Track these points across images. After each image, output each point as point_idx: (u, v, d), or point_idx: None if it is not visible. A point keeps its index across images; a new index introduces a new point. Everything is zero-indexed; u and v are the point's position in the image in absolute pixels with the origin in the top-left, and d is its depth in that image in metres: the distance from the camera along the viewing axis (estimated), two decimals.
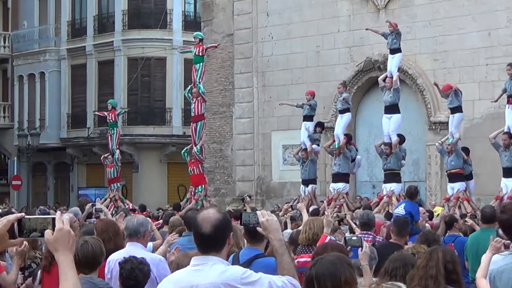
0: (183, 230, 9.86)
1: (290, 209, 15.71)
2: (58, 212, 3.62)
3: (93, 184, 38.18)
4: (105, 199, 24.41)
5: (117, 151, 25.33)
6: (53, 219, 3.50)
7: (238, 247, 7.26)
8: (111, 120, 25.36)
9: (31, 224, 3.48)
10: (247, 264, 5.44)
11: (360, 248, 6.90)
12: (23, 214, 3.55)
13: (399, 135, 20.08)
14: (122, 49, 38.36)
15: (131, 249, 7.21)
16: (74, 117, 40.46)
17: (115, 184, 25.10)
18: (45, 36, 41.65)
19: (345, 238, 7.19)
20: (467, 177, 19.80)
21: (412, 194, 14.38)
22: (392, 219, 12.14)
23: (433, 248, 5.85)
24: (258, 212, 4.66)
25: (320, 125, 22.42)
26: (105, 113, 25.89)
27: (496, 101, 20.21)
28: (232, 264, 5.03)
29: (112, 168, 25.18)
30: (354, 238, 7.10)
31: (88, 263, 6.16)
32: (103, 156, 26.17)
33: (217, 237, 4.34)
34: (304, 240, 8.53)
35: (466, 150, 20.04)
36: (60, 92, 40.60)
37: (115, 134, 25.32)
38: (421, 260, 5.65)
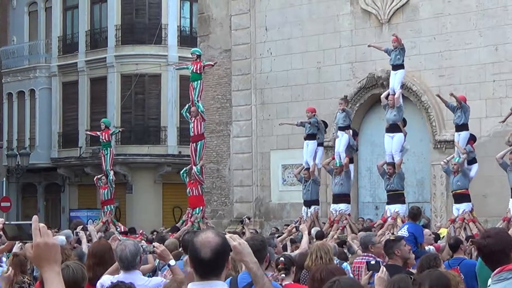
0: (181, 253, 9.75)
1: (294, 230, 15.67)
2: (34, 218, 3.04)
3: (85, 206, 37.71)
4: (98, 224, 23.78)
5: (111, 172, 24.96)
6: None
7: (235, 270, 7.29)
8: (104, 140, 24.98)
9: (13, 230, 3.48)
10: None
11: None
12: (2, 219, 3.54)
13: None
14: (115, 66, 38.01)
15: (129, 278, 7.00)
16: (66, 136, 40.08)
17: (108, 206, 24.71)
18: (35, 52, 41.43)
19: (367, 262, 7.14)
20: (471, 161, 19.71)
21: (415, 215, 14.29)
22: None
23: (422, 279, 5.66)
24: (227, 236, 4.52)
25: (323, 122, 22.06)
26: (98, 133, 25.57)
27: (503, 121, 20.09)
28: None
29: (106, 190, 24.80)
30: (373, 262, 7.05)
31: None
32: (96, 177, 25.80)
33: (218, 262, 4.24)
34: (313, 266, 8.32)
35: (472, 137, 19.96)
36: (51, 110, 40.27)
37: (108, 155, 24.92)
38: None
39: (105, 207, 24.65)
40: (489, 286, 5.16)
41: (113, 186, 24.94)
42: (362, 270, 9.07)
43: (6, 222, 3.44)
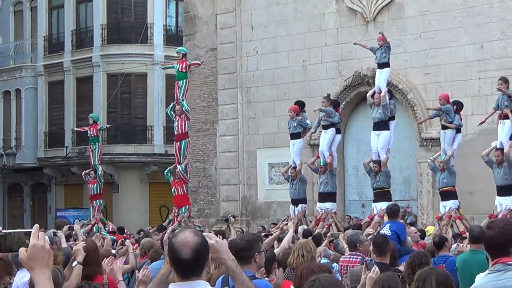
0: (161, 253, 9.94)
1: (285, 227, 15.67)
2: (35, 226, 3.11)
3: (72, 205, 37.55)
4: (87, 225, 23.61)
5: (100, 167, 24.74)
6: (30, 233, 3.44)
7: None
8: (92, 135, 24.81)
9: (7, 241, 3.49)
10: None
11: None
12: (0, 228, 3.55)
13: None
14: (101, 65, 37.82)
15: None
16: (52, 136, 39.84)
17: (97, 201, 24.47)
18: (21, 51, 41.24)
19: (365, 261, 7.16)
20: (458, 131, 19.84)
21: (393, 213, 14.16)
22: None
23: (426, 275, 5.70)
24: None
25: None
26: (86, 128, 25.33)
27: (482, 123, 19.94)
28: (222, 287, 5.08)
29: (95, 184, 24.58)
30: (369, 262, 7.04)
31: None
32: (84, 171, 25.52)
33: (198, 261, 4.21)
34: (294, 264, 8.48)
35: (459, 104, 20.01)
36: (37, 110, 40.04)
37: (97, 149, 24.79)
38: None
39: (94, 202, 24.46)
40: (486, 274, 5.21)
41: (102, 181, 24.85)
42: (350, 268, 9.09)
43: (3, 231, 3.50)
